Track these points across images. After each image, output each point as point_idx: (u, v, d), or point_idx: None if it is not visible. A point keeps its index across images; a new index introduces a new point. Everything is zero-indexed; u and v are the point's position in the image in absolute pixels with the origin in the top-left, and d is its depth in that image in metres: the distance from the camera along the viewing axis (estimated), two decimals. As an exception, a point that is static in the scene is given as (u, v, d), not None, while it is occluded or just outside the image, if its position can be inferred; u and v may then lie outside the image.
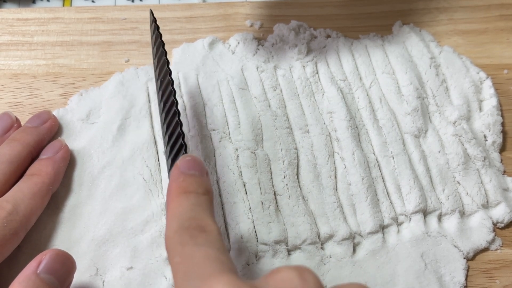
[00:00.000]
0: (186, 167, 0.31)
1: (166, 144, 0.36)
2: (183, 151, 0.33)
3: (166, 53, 0.37)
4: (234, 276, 0.25)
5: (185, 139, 0.33)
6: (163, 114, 0.36)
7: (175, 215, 0.29)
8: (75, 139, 0.41)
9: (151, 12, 0.41)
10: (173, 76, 0.43)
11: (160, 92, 0.37)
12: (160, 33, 0.39)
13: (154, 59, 0.39)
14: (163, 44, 0.38)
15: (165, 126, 0.36)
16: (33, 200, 0.34)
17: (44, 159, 0.37)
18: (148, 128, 0.41)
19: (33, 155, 0.38)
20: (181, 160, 0.32)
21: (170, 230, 0.28)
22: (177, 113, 0.34)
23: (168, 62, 0.37)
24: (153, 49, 0.39)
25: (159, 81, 0.37)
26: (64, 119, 0.41)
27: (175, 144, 0.34)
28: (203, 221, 0.29)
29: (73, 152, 0.40)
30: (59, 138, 0.39)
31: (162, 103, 0.37)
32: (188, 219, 0.29)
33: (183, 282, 0.26)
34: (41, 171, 0.36)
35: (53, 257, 0.31)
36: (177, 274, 0.26)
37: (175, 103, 0.35)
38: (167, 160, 0.36)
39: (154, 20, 0.40)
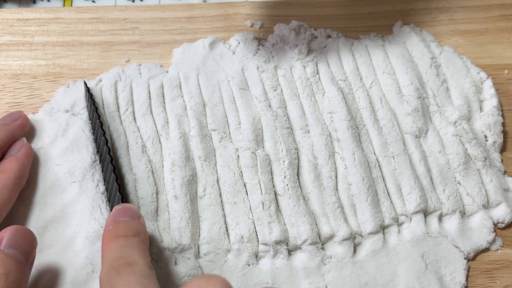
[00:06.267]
0: (117, 216, 0.34)
1: (108, 199, 0.39)
2: (120, 202, 0.36)
3: (99, 116, 0.40)
4: None
5: (121, 190, 0.37)
6: (103, 172, 0.39)
7: (106, 258, 0.31)
8: (63, 135, 0.41)
9: (85, 83, 0.42)
10: (173, 76, 0.44)
11: (99, 154, 0.40)
12: (93, 100, 0.41)
13: (90, 121, 0.42)
14: (97, 108, 0.41)
15: (105, 182, 0.39)
16: (0, 194, 0.35)
17: (7, 157, 0.38)
18: (152, 124, 0.41)
19: (4, 151, 0.39)
20: (113, 210, 0.35)
21: (101, 273, 0.30)
22: (113, 168, 0.37)
23: (101, 124, 0.40)
24: (89, 115, 0.42)
25: (96, 143, 0.40)
26: (51, 114, 0.42)
27: (114, 197, 0.37)
28: (130, 258, 0.30)
29: (63, 149, 0.40)
30: (20, 139, 0.40)
31: (101, 163, 0.40)
32: (116, 259, 0.31)
33: None
34: (5, 168, 0.37)
35: (13, 232, 0.31)
36: None
37: (111, 159, 0.38)
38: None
39: (87, 89, 0.42)
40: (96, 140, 0.40)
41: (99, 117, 0.40)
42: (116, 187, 0.37)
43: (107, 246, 0.32)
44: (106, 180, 0.39)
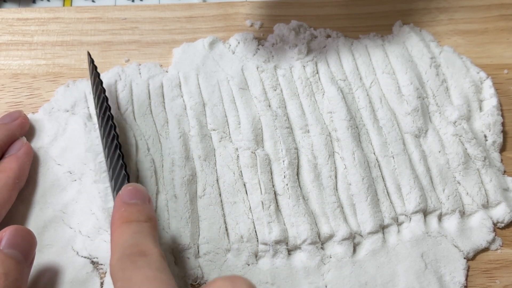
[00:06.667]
0: (128, 197, 0.33)
1: (111, 178, 0.37)
2: (125, 181, 0.35)
3: (104, 90, 0.39)
4: None
5: (127, 170, 0.35)
6: (106, 149, 0.38)
7: (117, 244, 0.30)
8: (62, 134, 0.41)
9: (89, 54, 0.42)
10: (173, 75, 0.44)
11: (102, 129, 0.39)
12: (98, 72, 0.40)
13: (94, 95, 0.41)
14: (101, 82, 0.40)
15: (108, 160, 0.38)
16: (0, 194, 0.35)
17: (7, 157, 0.38)
18: (152, 124, 0.41)
19: (3, 150, 0.39)
20: (123, 190, 0.33)
21: (113, 259, 0.30)
22: (118, 145, 0.36)
23: (107, 99, 0.38)
24: (92, 87, 0.41)
25: (100, 118, 0.39)
26: (50, 113, 0.42)
27: (119, 176, 0.35)
28: (144, 246, 0.30)
29: (62, 148, 0.40)
30: (20, 138, 0.40)
31: (104, 139, 0.38)
32: (129, 246, 0.30)
33: None
34: (5, 168, 0.37)
35: (13, 232, 0.31)
36: None
37: (116, 136, 0.37)
38: (113, 193, 0.37)
39: (91, 61, 0.41)
40: (100, 118, 0.39)
41: (104, 91, 0.39)
42: (122, 165, 0.35)
43: (118, 231, 0.31)
44: (109, 157, 0.37)
